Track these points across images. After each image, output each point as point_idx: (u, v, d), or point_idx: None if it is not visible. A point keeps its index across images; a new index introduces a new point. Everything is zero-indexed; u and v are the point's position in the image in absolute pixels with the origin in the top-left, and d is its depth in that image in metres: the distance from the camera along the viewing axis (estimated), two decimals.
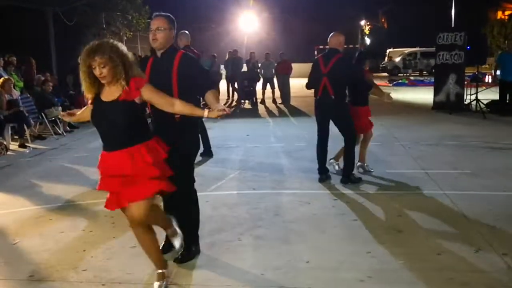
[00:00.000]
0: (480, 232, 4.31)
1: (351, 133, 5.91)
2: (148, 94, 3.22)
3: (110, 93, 3.18)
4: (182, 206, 3.85)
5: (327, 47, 6.02)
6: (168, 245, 3.98)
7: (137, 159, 3.14)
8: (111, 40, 3.21)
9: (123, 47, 3.21)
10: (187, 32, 7.10)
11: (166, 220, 3.56)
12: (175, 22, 3.75)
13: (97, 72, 3.10)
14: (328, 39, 5.88)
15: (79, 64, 3.16)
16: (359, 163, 6.37)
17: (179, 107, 3.29)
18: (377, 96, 6.36)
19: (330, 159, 6.36)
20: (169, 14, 3.73)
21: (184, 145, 3.70)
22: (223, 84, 17.64)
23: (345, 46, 6.00)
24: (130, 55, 3.23)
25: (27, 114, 9.48)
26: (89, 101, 3.27)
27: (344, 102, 5.85)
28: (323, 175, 6.07)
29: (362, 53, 6.31)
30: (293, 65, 16.75)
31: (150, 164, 3.17)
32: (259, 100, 15.87)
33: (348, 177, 5.91)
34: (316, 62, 5.99)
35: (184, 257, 3.84)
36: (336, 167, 6.40)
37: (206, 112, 3.28)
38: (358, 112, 6.13)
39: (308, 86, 6.11)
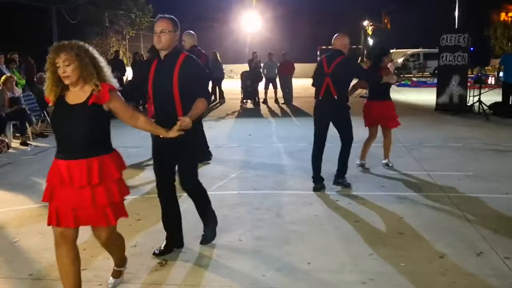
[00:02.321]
0: (482, 235, 4.28)
1: (349, 136, 5.76)
2: (116, 103, 3.03)
3: (76, 96, 2.97)
4: (195, 200, 4.11)
5: (330, 47, 5.95)
6: (170, 246, 3.98)
7: (94, 172, 2.93)
8: (82, 43, 3.04)
9: (94, 51, 3.08)
10: (192, 32, 7.05)
11: (123, 252, 3.48)
12: (179, 24, 3.79)
13: (60, 70, 2.91)
14: (332, 40, 5.77)
15: (48, 60, 2.98)
16: (360, 161, 6.63)
17: (142, 124, 3.19)
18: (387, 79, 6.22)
19: (359, 161, 6.64)
20: (172, 16, 3.77)
21: (187, 147, 3.78)
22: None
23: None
24: (101, 60, 3.07)
25: (29, 112, 9.49)
26: (50, 103, 3.05)
27: (346, 104, 5.72)
28: (318, 184, 5.79)
29: (382, 50, 6.31)
30: (296, 65, 16.70)
31: (110, 180, 3.01)
32: (261, 100, 15.85)
33: (340, 179, 5.86)
34: (320, 62, 5.88)
35: (208, 238, 4.17)
36: (366, 166, 6.61)
37: (164, 133, 3.31)
38: (370, 106, 6.49)
39: (314, 84, 6.02)
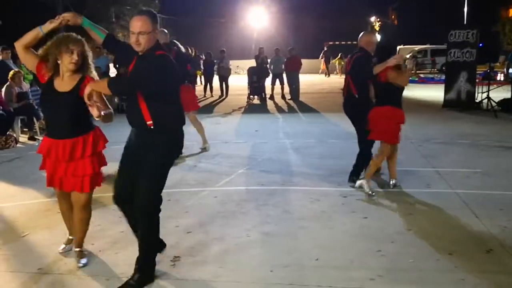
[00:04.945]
0: (491, 232, 4.25)
1: (364, 136, 5.56)
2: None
3: (64, 84, 3.45)
4: (139, 222, 3.40)
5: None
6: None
7: (79, 148, 3.48)
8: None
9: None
10: (165, 30, 7.16)
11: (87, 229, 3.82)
12: (157, 17, 3.40)
13: (74, 57, 3.39)
14: (358, 38, 5.66)
15: (53, 45, 3.41)
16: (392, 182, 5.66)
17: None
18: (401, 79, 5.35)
19: (392, 181, 5.64)
20: (152, 11, 3.37)
21: (153, 153, 3.30)
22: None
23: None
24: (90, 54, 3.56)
25: (36, 107, 9.52)
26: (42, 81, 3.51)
27: (366, 102, 5.52)
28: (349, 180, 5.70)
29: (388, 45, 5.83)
30: (303, 61, 16.67)
31: (90, 155, 3.53)
32: (268, 96, 15.83)
33: (354, 177, 5.70)
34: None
35: (127, 284, 3.34)
36: (394, 182, 5.65)
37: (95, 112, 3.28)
38: (377, 112, 5.42)
39: None
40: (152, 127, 3.25)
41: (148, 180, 3.29)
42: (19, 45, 3.44)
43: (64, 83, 3.46)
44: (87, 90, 3.23)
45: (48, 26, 3.40)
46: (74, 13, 3.48)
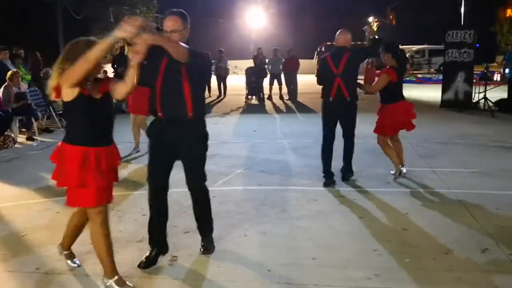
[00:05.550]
0: (487, 231, 4.28)
1: (353, 134, 5.86)
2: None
3: (93, 91, 3.18)
4: (200, 203, 3.90)
5: (334, 43, 5.85)
6: (156, 256, 3.77)
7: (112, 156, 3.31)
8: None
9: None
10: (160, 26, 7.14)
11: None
12: (188, 17, 3.60)
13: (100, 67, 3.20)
14: (336, 37, 5.70)
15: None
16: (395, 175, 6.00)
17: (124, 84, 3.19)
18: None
19: (394, 173, 6.00)
20: (181, 11, 3.56)
21: (196, 143, 3.67)
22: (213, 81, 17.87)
23: (353, 42, 5.85)
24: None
25: (34, 107, 9.53)
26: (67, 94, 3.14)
27: (356, 103, 5.72)
28: (329, 179, 5.79)
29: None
30: (301, 61, 16.69)
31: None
32: (266, 96, 15.85)
33: (350, 173, 5.97)
34: (325, 61, 5.73)
35: (211, 247, 3.93)
36: (404, 170, 6.04)
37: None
38: (386, 109, 5.98)
39: (319, 83, 5.94)
40: (191, 118, 3.51)
41: (198, 168, 3.71)
42: (93, 61, 2.95)
43: (93, 90, 3.21)
44: (156, 41, 3.09)
45: (120, 35, 2.93)
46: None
